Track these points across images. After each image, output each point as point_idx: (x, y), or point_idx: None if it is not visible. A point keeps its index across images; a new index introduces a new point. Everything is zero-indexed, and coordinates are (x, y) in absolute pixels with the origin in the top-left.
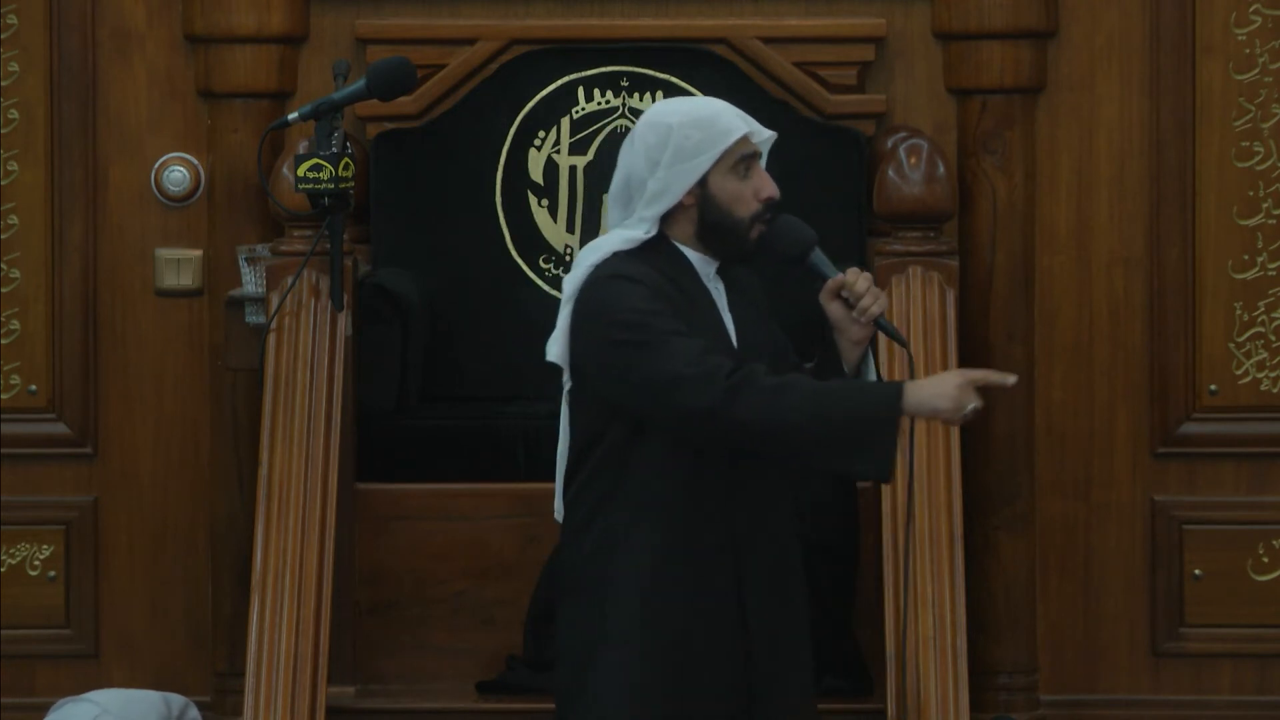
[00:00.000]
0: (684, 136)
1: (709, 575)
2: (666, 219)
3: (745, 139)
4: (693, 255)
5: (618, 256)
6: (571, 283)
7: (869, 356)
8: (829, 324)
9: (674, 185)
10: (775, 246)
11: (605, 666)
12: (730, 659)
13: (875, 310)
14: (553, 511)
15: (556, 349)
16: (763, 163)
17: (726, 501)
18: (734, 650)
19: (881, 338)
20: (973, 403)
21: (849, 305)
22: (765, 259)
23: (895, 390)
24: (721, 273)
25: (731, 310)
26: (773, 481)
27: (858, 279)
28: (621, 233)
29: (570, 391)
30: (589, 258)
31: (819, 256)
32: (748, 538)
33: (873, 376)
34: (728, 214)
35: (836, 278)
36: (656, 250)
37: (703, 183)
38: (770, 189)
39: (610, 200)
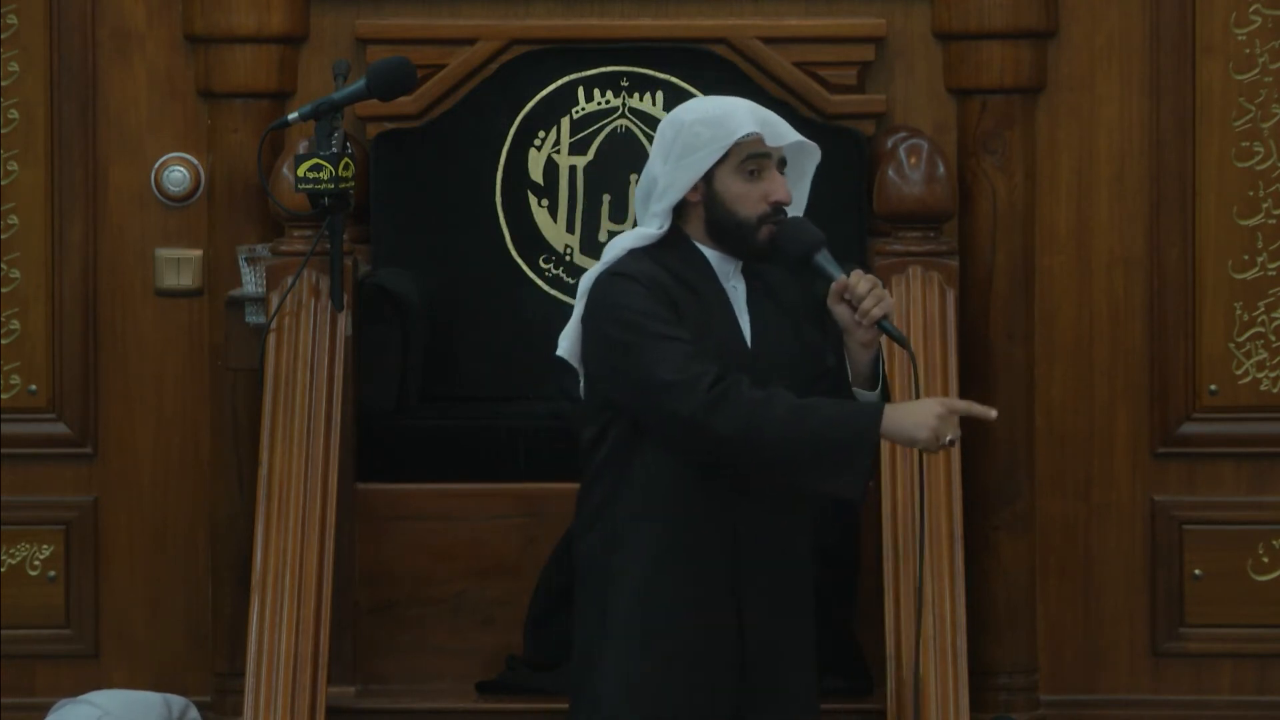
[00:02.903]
0: (693, 133)
1: (706, 580)
2: (683, 216)
3: (757, 139)
4: (710, 253)
5: (632, 254)
6: (585, 279)
7: (879, 361)
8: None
9: (678, 180)
10: (781, 247)
11: (607, 665)
12: (725, 669)
13: (876, 313)
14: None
15: (566, 344)
16: (801, 170)
17: (729, 509)
18: (729, 660)
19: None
20: (951, 434)
21: (854, 308)
22: (775, 260)
23: (874, 414)
24: (749, 272)
25: (751, 309)
26: (783, 495)
27: (859, 281)
28: (640, 230)
29: (583, 386)
30: (607, 254)
31: (825, 258)
32: (750, 547)
33: (879, 384)
34: (731, 213)
35: (840, 280)
36: (673, 247)
37: (708, 180)
38: (780, 193)
39: (636, 197)
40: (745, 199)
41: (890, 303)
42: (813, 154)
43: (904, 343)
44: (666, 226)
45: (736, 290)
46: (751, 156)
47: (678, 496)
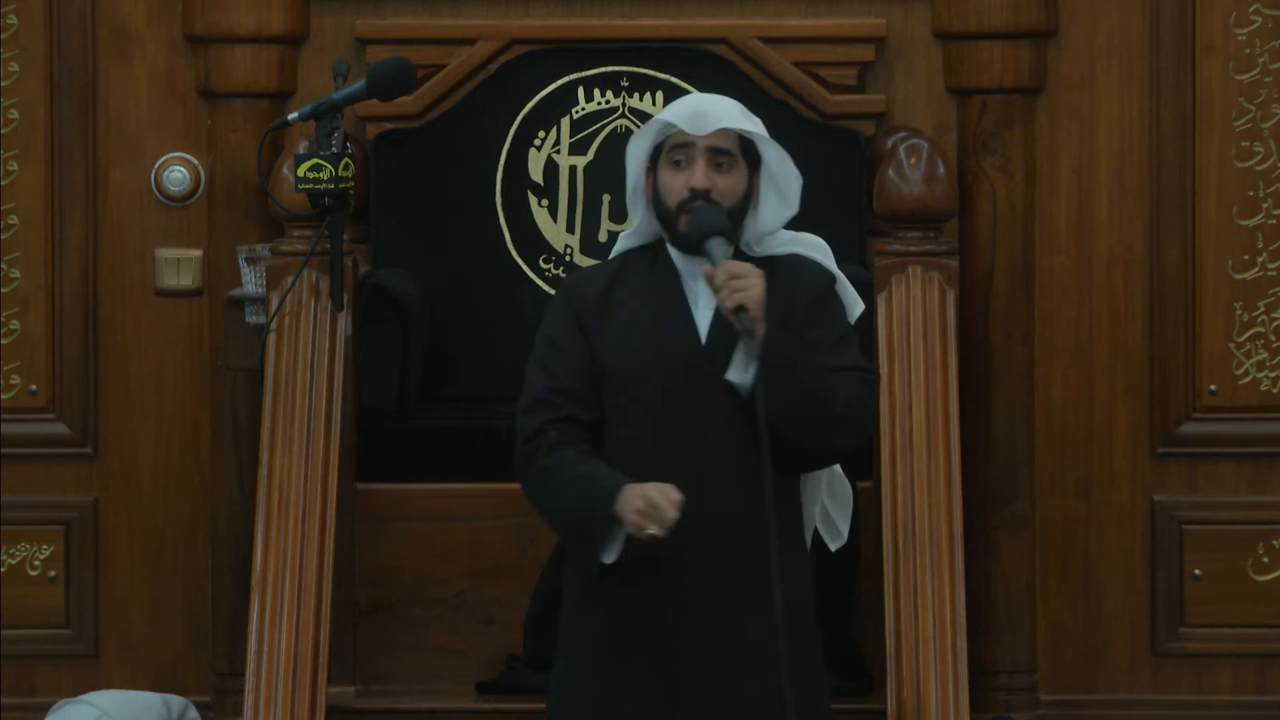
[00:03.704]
0: (640, 129)
1: (631, 606)
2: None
3: (678, 132)
4: (674, 252)
5: (620, 251)
6: None
7: (759, 350)
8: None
9: (630, 175)
10: (685, 232)
11: (554, 679)
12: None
13: (728, 305)
14: None
15: None
16: (765, 173)
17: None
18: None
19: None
20: (650, 529)
21: None
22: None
23: (612, 491)
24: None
25: (717, 311)
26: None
27: (717, 273)
28: (634, 227)
29: None
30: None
31: (714, 245)
32: (680, 598)
33: (745, 375)
34: (664, 204)
35: (706, 269)
36: (653, 247)
37: (654, 176)
38: (697, 179)
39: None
40: (671, 189)
41: (746, 296)
42: (774, 150)
43: (748, 335)
44: (637, 221)
45: (698, 290)
46: (676, 147)
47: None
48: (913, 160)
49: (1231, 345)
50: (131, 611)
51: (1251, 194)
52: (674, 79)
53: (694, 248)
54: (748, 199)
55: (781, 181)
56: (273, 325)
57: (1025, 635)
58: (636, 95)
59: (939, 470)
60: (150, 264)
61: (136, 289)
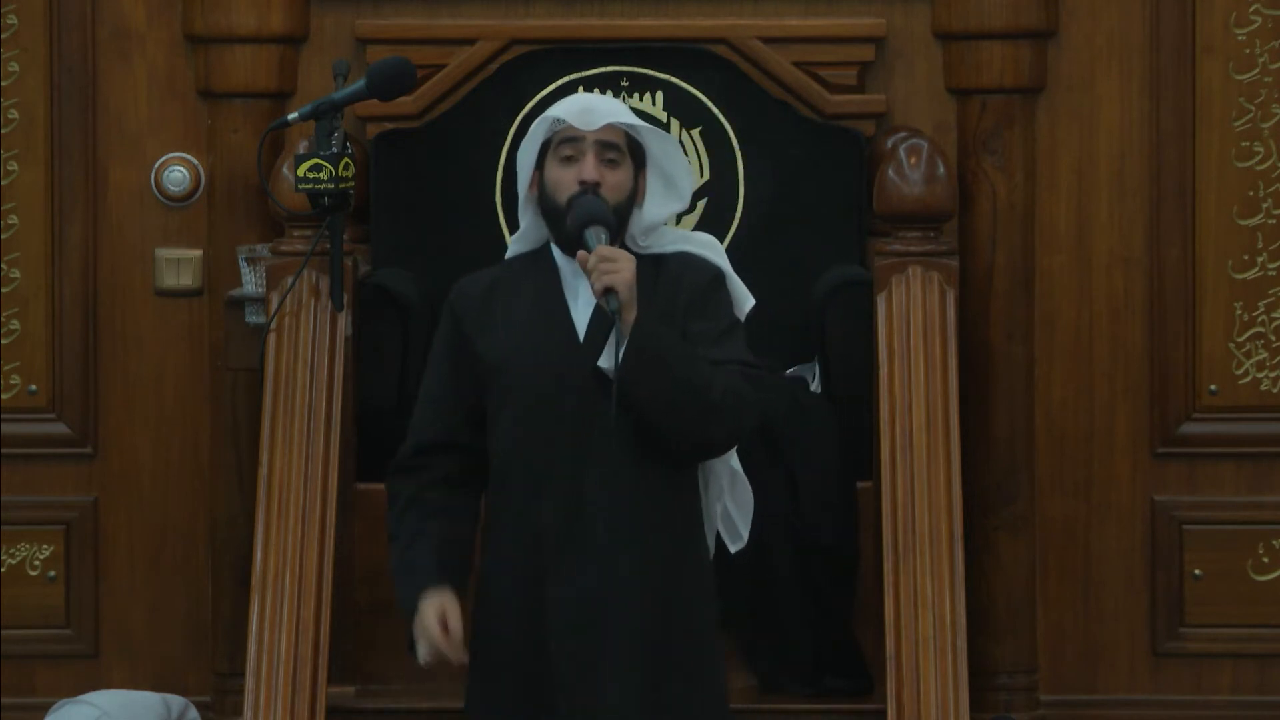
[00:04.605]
0: (530, 133)
1: (509, 599)
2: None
3: (567, 127)
4: (559, 255)
5: (495, 265)
6: None
7: (616, 336)
8: None
9: (520, 173)
10: (568, 221)
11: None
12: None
13: (597, 287)
14: None
15: None
16: (652, 169)
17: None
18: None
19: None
20: (422, 655)
21: None
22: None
23: (417, 590)
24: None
25: (596, 307)
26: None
27: (590, 257)
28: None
29: None
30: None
31: (590, 234)
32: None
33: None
34: (551, 199)
35: (580, 254)
36: (534, 254)
37: (541, 173)
38: (588, 172)
39: None
40: (561, 183)
41: (617, 279)
42: (665, 143)
43: (615, 315)
44: (524, 225)
45: (579, 286)
46: (565, 141)
47: (499, 519)
48: (913, 160)
49: (1231, 345)
50: (131, 611)
51: (1251, 194)
52: (674, 79)
53: (576, 239)
54: (633, 198)
55: (670, 171)
56: (273, 325)
57: (1025, 635)
58: (636, 95)
59: (939, 470)
60: (150, 264)
61: (136, 289)
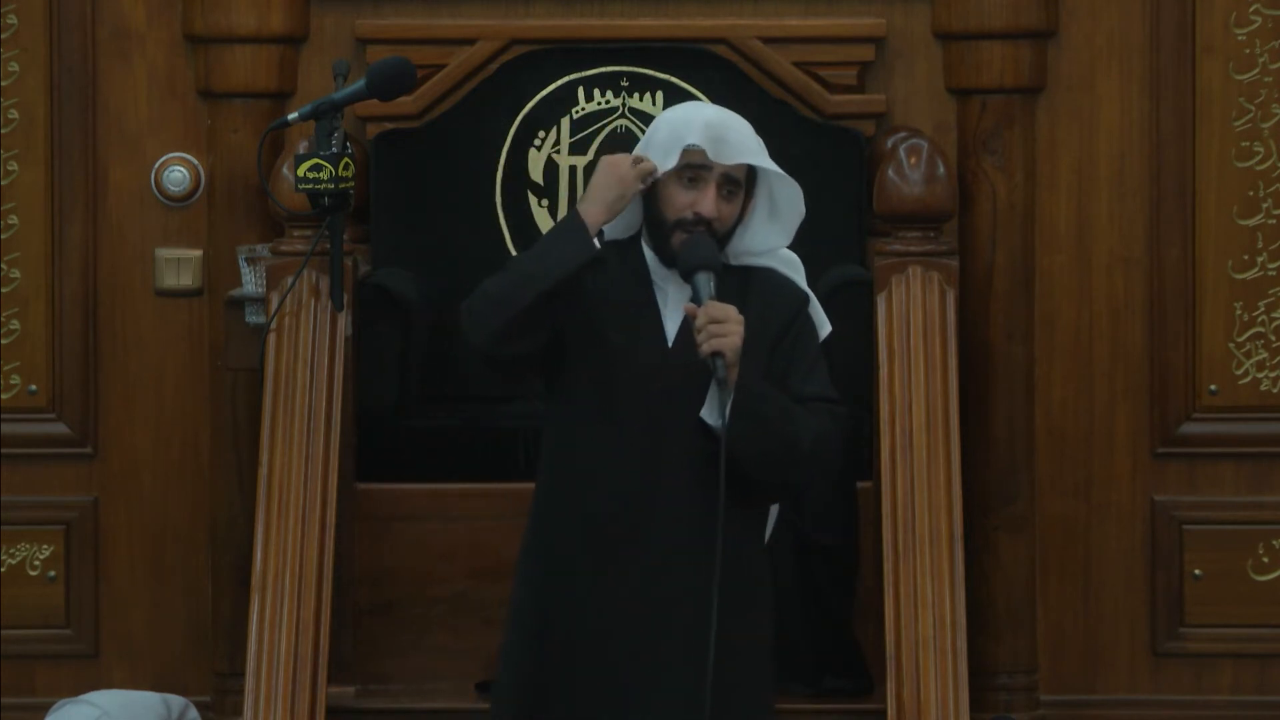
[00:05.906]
0: (656, 130)
1: (566, 573)
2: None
3: (699, 152)
4: (648, 253)
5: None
6: None
7: (720, 393)
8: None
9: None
10: (680, 257)
11: (501, 654)
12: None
13: (705, 349)
14: None
15: None
16: (761, 195)
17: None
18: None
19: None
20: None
21: None
22: (678, 268)
23: (573, 212)
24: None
25: (686, 318)
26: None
27: (699, 313)
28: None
29: None
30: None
31: (702, 280)
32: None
33: (717, 417)
34: (658, 212)
35: (689, 305)
36: (630, 242)
37: (658, 182)
38: (704, 205)
39: None
40: (672, 203)
41: (722, 343)
42: (786, 185)
43: (720, 384)
44: (621, 218)
45: (668, 293)
46: (690, 166)
47: (548, 494)
48: (913, 160)
49: (1231, 345)
50: (131, 611)
51: (1251, 194)
52: (674, 79)
53: (682, 274)
54: (737, 223)
55: (783, 209)
56: (273, 325)
57: (1025, 635)
58: (636, 95)
59: (939, 470)
60: (150, 264)
61: (136, 289)
